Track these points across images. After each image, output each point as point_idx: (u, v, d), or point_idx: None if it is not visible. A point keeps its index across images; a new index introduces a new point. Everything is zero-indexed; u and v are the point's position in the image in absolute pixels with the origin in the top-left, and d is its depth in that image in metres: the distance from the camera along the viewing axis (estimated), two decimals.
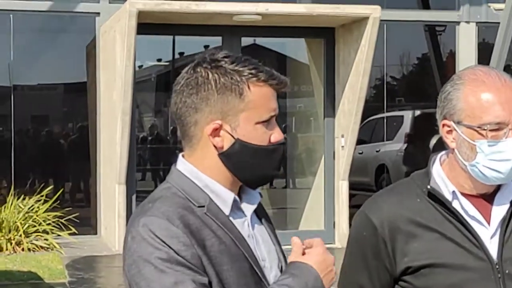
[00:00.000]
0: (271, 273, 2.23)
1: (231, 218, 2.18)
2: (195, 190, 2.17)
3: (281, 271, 2.25)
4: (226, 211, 2.18)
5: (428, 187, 2.42)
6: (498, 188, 2.43)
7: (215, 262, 2.09)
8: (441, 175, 2.44)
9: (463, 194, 2.41)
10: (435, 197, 2.41)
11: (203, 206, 2.15)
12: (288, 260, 2.21)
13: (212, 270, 2.07)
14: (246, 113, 2.16)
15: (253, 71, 2.17)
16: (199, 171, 2.19)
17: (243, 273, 2.13)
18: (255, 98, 2.16)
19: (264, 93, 2.18)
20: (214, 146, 2.18)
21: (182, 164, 2.22)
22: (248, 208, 2.24)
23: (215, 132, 2.17)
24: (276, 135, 2.21)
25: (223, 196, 2.18)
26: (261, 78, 2.17)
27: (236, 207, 2.21)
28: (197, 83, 2.18)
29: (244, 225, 2.22)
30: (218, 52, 2.22)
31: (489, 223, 2.39)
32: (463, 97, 2.35)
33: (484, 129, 2.31)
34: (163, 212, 2.09)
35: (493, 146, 2.32)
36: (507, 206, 2.41)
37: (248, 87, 2.16)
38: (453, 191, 2.40)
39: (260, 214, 2.31)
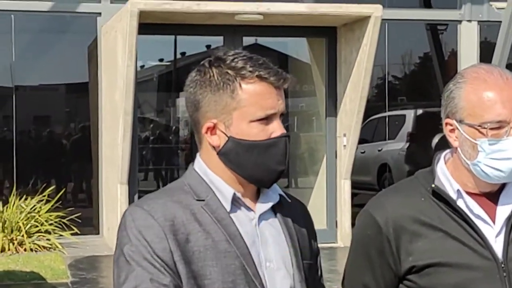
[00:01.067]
0: (277, 274, 2.21)
1: (232, 215, 2.18)
2: (200, 184, 2.20)
3: (293, 275, 2.23)
4: (227, 206, 2.19)
5: (433, 185, 2.41)
6: (503, 186, 2.42)
7: (197, 256, 2.11)
8: (445, 174, 2.43)
9: (467, 193, 2.40)
10: (439, 196, 2.40)
11: (203, 200, 2.17)
12: None
13: (184, 266, 2.10)
14: (239, 111, 2.16)
15: (246, 67, 2.16)
16: (208, 168, 2.22)
17: (230, 270, 2.12)
18: (247, 96, 2.15)
19: (257, 91, 2.16)
20: (212, 146, 2.20)
21: (197, 162, 2.26)
22: (260, 207, 2.23)
23: (212, 131, 2.19)
24: (277, 133, 2.18)
25: (224, 191, 2.20)
26: (254, 74, 2.15)
27: (241, 204, 2.21)
28: (197, 82, 2.20)
29: (251, 223, 2.21)
30: (228, 51, 2.22)
31: (494, 222, 2.38)
32: (465, 95, 2.35)
33: (485, 128, 2.31)
34: (149, 204, 2.15)
35: (494, 145, 2.31)
36: None
37: (240, 85, 2.15)
38: (458, 190, 2.39)
39: (281, 214, 2.28)
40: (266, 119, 2.17)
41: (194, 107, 2.21)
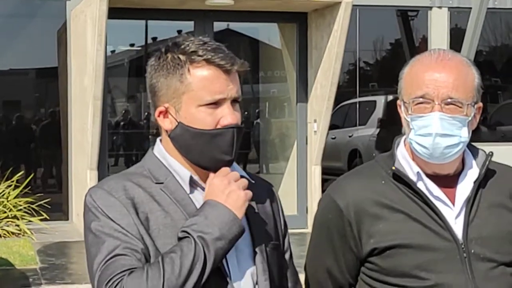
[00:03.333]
0: (240, 255, 2.22)
1: (191, 195, 2.22)
2: (159, 168, 2.25)
3: (254, 255, 2.24)
4: (186, 188, 2.23)
5: (393, 168, 2.43)
6: (462, 169, 2.45)
7: (157, 234, 2.15)
8: (405, 157, 2.46)
9: (427, 175, 2.42)
10: (400, 178, 2.42)
11: (162, 183, 2.21)
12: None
13: (149, 240, 2.13)
14: (187, 95, 2.20)
15: (195, 52, 2.19)
16: (166, 152, 2.27)
17: None
18: (195, 80, 2.19)
19: (205, 75, 2.19)
20: (164, 129, 2.26)
21: (156, 146, 2.31)
22: None
23: (164, 115, 2.24)
24: (227, 118, 2.20)
25: (181, 174, 2.24)
26: (202, 57, 2.18)
27: (198, 186, 2.25)
28: (153, 67, 2.26)
29: None
30: (188, 37, 2.25)
31: (453, 204, 2.41)
32: (404, 77, 2.45)
33: (410, 103, 2.37)
34: (109, 185, 2.21)
35: (419, 121, 2.36)
36: (471, 186, 2.42)
37: (189, 70, 2.19)
38: (418, 172, 2.42)
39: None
40: (215, 104, 2.19)
41: (151, 91, 2.27)
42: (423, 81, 2.36)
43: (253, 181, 2.32)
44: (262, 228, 2.30)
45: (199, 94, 2.18)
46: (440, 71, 2.36)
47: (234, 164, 2.30)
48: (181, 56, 2.20)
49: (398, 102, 2.45)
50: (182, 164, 2.25)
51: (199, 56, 2.18)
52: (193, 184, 2.24)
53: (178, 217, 2.17)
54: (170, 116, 2.23)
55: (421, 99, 2.35)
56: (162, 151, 2.28)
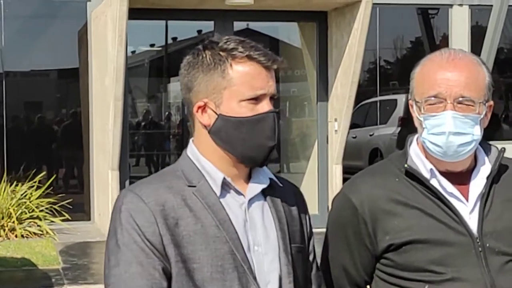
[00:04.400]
0: (266, 258, 2.23)
1: (222, 200, 2.22)
2: (192, 170, 2.25)
3: (279, 258, 2.24)
4: (217, 191, 2.22)
5: (406, 165, 2.45)
6: (475, 165, 2.47)
7: (187, 240, 2.15)
8: (418, 155, 2.48)
9: (440, 172, 2.44)
10: (413, 176, 2.44)
11: (194, 186, 2.21)
12: None
13: (173, 249, 2.14)
14: (229, 90, 2.21)
15: (236, 48, 2.21)
16: (199, 153, 2.27)
17: (219, 255, 2.16)
18: (237, 75, 2.20)
19: (247, 71, 2.21)
20: (203, 125, 2.24)
21: (189, 147, 2.31)
22: (251, 191, 2.26)
23: (202, 110, 2.24)
24: (265, 108, 2.22)
25: (214, 176, 2.23)
26: (244, 54, 2.20)
27: (231, 189, 2.24)
28: (190, 64, 2.26)
29: (240, 207, 2.23)
30: (222, 36, 2.28)
31: (467, 200, 2.42)
32: (415, 76, 2.46)
33: (423, 103, 2.39)
34: (141, 188, 2.21)
35: (432, 120, 2.38)
36: (484, 181, 2.44)
37: (231, 65, 2.21)
38: (431, 169, 2.43)
39: (271, 198, 2.30)
40: (256, 99, 2.21)
41: (187, 88, 2.26)
42: (435, 81, 2.38)
43: (281, 185, 2.33)
44: (288, 231, 2.30)
45: (241, 89, 2.20)
46: (452, 70, 2.38)
47: (264, 167, 2.31)
48: (221, 53, 2.21)
49: (410, 101, 2.47)
50: (216, 165, 2.24)
51: (241, 52, 2.20)
52: (225, 186, 2.23)
53: (209, 224, 2.17)
54: (209, 110, 2.23)
55: (433, 99, 2.37)
56: (195, 152, 2.27)
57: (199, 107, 2.24)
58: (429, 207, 2.39)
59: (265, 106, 2.22)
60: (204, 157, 2.25)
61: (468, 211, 2.41)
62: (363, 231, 2.43)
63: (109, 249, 2.18)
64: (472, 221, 2.39)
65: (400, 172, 2.47)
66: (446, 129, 2.35)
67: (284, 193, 2.33)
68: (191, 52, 2.28)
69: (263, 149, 2.23)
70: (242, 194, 2.25)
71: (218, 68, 2.21)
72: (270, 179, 2.29)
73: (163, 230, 2.14)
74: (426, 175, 2.43)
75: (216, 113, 2.21)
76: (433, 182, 2.42)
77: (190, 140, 2.32)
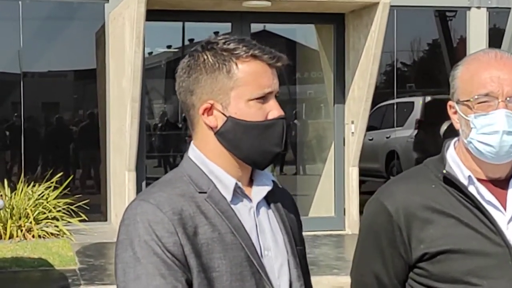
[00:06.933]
0: (276, 263, 2.21)
1: (233, 205, 2.17)
2: (200, 176, 2.18)
3: (288, 262, 2.23)
4: (228, 197, 2.17)
5: (444, 171, 2.39)
6: None
7: (206, 249, 2.09)
8: (455, 160, 2.42)
9: (478, 179, 2.39)
10: (450, 182, 2.38)
11: (205, 193, 2.15)
12: None
13: (194, 260, 2.07)
14: (236, 90, 2.16)
15: (240, 47, 2.16)
16: (205, 156, 2.20)
17: (237, 262, 2.11)
18: (244, 75, 2.16)
19: (253, 70, 2.16)
20: (209, 127, 2.18)
21: (192, 151, 2.23)
22: (256, 195, 2.22)
23: (208, 112, 2.18)
24: (274, 112, 2.18)
25: (225, 181, 2.18)
26: (249, 53, 2.16)
27: (240, 194, 2.20)
28: (190, 66, 2.20)
29: (250, 212, 2.20)
30: (217, 36, 2.23)
31: (505, 209, 2.37)
32: (460, 75, 2.39)
33: (473, 102, 2.33)
34: (155, 197, 2.11)
35: (483, 119, 2.32)
36: None
37: (236, 65, 2.16)
38: (469, 176, 2.38)
39: (273, 202, 2.27)
40: (263, 98, 2.17)
41: (189, 91, 2.20)
42: (485, 79, 2.33)
43: (280, 187, 2.31)
44: (293, 234, 2.29)
45: (248, 88, 2.16)
46: (502, 68, 2.34)
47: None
48: (224, 53, 2.17)
49: (450, 103, 2.41)
50: (225, 169, 2.19)
51: (245, 51, 2.16)
52: (235, 192, 2.18)
53: (225, 231, 2.12)
54: (216, 112, 2.17)
55: (485, 97, 2.32)
56: (200, 156, 2.20)
57: (205, 109, 2.17)
58: (466, 215, 2.35)
59: (274, 107, 2.18)
60: (211, 161, 2.19)
61: (506, 220, 2.36)
62: (397, 238, 2.38)
63: (124, 262, 2.07)
64: (510, 232, 2.34)
65: (437, 178, 2.42)
66: (499, 128, 2.30)
67: (282, 195, 2.31)
68: (189, 54, 2.22)
69: (269, 155, 2.20)
70: (249, 198, 2.21)
71: (223, 68, 2.16)
72: (273, 181, 2.26)
73: (183, 240, 2.07)
74: (464, 182, 2.38)
75: (224, 115, 2.16)
76: (471, 189, 2.37)
77: (191, 143, 2.26)
